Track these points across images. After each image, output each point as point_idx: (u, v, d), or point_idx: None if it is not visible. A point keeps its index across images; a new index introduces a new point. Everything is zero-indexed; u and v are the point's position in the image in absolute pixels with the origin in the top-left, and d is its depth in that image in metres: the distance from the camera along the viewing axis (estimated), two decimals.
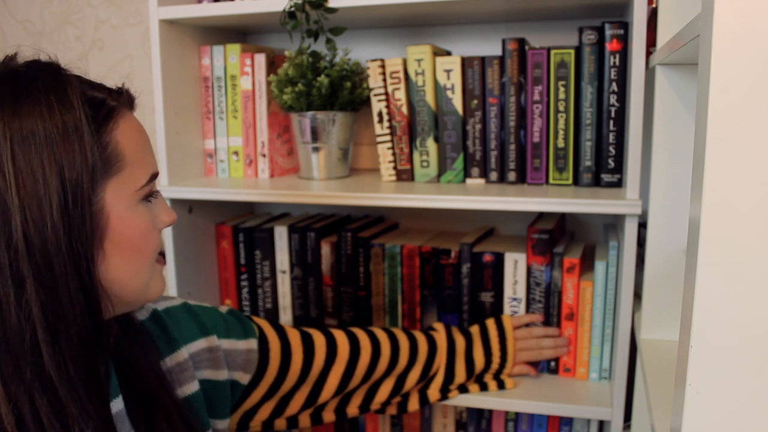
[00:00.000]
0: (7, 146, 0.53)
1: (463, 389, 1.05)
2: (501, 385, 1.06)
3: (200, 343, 0.77)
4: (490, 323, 1.08)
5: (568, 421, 1.14)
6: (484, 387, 1.06)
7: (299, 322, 1.26)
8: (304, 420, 0.94)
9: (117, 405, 0.63)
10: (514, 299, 1.11)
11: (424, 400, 1.02)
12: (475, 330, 1.07)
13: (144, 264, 0.62)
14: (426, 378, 1.01)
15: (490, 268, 1.11)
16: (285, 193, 1.08)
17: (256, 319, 0.88)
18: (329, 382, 0.93)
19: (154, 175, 0.64)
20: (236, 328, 0.83)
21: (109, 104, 0.60)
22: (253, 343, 0.84)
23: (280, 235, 1.24)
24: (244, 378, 0.83)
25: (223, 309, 0.85)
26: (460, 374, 1.03)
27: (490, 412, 1.18)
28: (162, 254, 0.67)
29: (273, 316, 1.28)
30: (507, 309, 1.12)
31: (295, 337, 0.90)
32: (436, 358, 1.02)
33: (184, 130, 1.20)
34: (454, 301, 1.15)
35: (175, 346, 0.75)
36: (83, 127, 0.56)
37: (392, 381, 0.99)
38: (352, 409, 0.97)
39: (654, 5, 0.94)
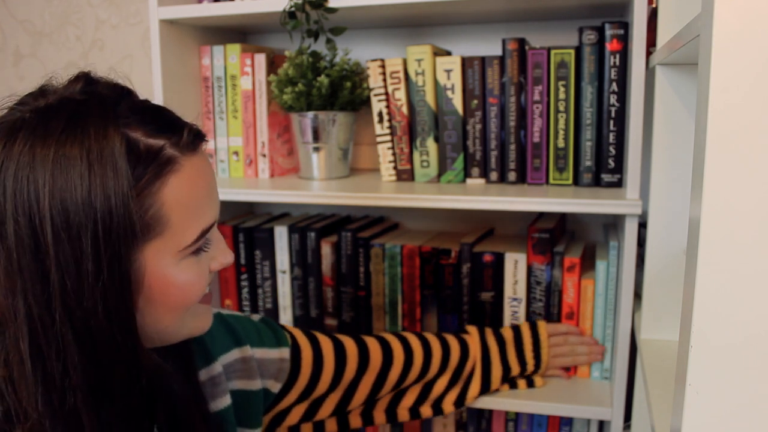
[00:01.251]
0: (45, 204, 0.50)
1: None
2: (531, 384, 1.05)
3: (234, 354, 0.77)
4: (525, 329, 1.05)
5: (568, 421, 1.14)
6: (513, 386, 1.05)
7: (299, 322, 1.26)
8: (331, 425, 0.93)
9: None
10: (514, 299, 1.11)
11: (460, 402, 1.01)
12: (508, 335, 1.05)
13: (180, 313, 0.59)
14: (455, 384, 1.00)
15: (490, 268, 1.11)
16: (285, 193, 1.08)
17: (288, 327, 0.88)
18: (360, 390, 0.92)
19: (208, 228, 0.59)
20: (269, 336, 0.82)
21: (164, 157, 0.54)
22: (285, 352, 0.83)
23: (280, 235, 1.24)
24: (276, 386, 0.82)
25: (256, 317, 0.84)
26: (496, 382, 1.02)
27: (490, 412, 1.18)
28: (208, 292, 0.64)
29: (273, 316, 1.28)
30: (507, 309, 1.12)
31: (327, 346, 0.89)
32: (467, 365, 1.01)
33: None
34: (454, 301, 1.15)
35: (211, 360, 0.74)
36: (124, 191, 0.51)
37: (420, 387, 0.98)
38: (379, 413, 0.97)
39: (654, 5, 0.94)
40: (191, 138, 0.57)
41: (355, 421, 0.95)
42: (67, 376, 0.52)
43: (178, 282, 0.56)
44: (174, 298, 0.57)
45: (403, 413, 0.98)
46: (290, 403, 0.86)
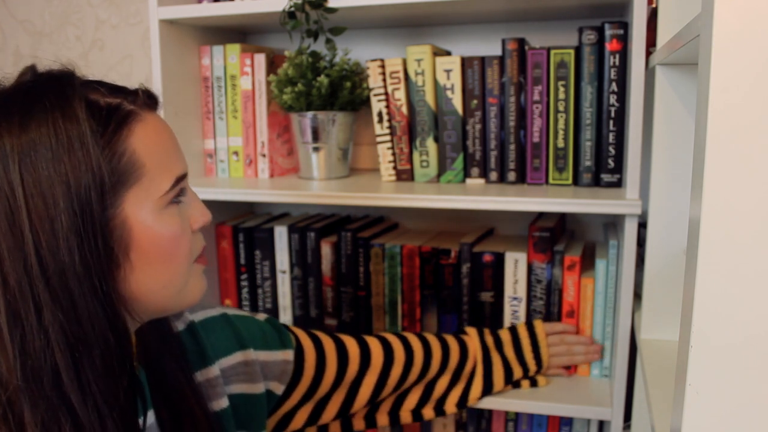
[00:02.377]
0: (15, 167, 0.52)
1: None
2: (534, 384, 1.06)
3: (236, 357, 0.77)
4: (521, 329, 1.06)
5: (568, 421, 1.14)
6: (517, 386, 1.05)
7: (299, 322, 1.26)
8: (335, 428, 0.93)
9: (149, 418, 0.63)
10: (515, 299, 1.11)
11: (462, 402, 1.01)
12: (506, 336, 1.05)
13: (177, 270, 0.60)
14: (456, 384, 1.01)
15: (490, 268, 1.11)
16: (285, 193, 1.08)
17: (292, 328, 0.88)
18: (362, 391, 0.92)
19: (181, 177, 0.61)
20: (273, 338, 0.82)
21: (125, 110, 0.58)
22: (289, 354, 0.83)
23: (280, 235, 1.24)
24: (279, 388, 0.83)
25: (261, 317, 0.84)
26: (498, 383, 1.02)
27: (490, 412, 1.18)
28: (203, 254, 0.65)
29: (273, 316, 1.27)
30: (507, 309, 1.12)
31: (329, 346, 0.90)
32: (467, 365, 1.01)
33: (184, 130, 1.20)
34: (454, 301, 1.15)
35: (207, 362, 0.74)
36: (88, 141, 0.54)
37: (421, 388, 0.99)
38: (382, 416, 0.97)
39: (654, 5, 0.94)
40: (145, 97, 0.60)
41: (359, 424, 0.95)
42: (45, 337, 0.52)
43: (164, 232, 0.58)
44: (164, 251, 0.58)
45: (405, 415, 0.98)
46: (294, 405, 0.86)
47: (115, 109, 0.57)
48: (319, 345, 0.88)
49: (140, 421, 0.61)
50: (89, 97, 0.56)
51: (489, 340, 1.04)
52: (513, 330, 1.06)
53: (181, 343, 0.70)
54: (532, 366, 1.04)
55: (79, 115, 0.54)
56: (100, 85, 0.59)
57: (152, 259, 0.58)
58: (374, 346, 0.94)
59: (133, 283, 0.57)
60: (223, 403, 0.74)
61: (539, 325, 1.06)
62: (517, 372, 1.03)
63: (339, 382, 0.90)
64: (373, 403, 0.95)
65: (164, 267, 0.59)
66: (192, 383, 0.69)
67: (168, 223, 0.59)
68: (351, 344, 0.92)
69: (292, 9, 1.05)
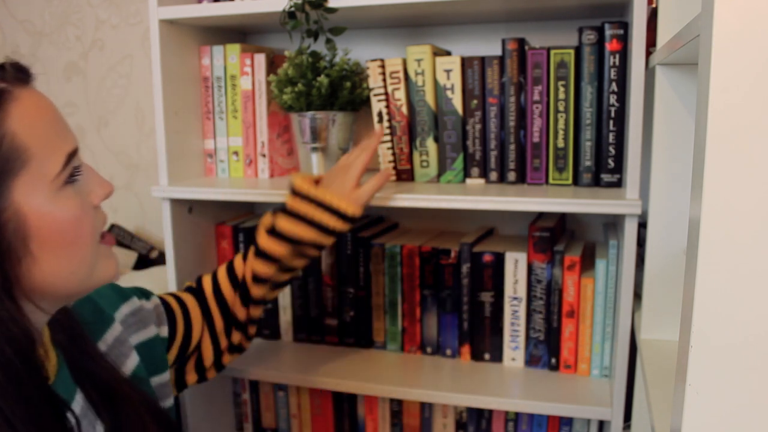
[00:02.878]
0: None
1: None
2: (341, 215, 0.93)
3: (125, 308, 0.78)
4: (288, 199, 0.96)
5: (568, 421, 1.14)
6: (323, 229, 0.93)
7: (299, 322, 1.26)
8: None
9: (78, 400, 0.62)
10: (515, 298, 1.11)
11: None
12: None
13: (83, 253, 0.57)
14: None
15: (490, 268, 1.11)
16: (285, 193, 1.08)
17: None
18: (215, 314, 0.95)
19: (72, 154, 0.56)
20: (139, 292, 0.84)
21: None
22: (155, 299, 0.86)
23: None
24: (164, 330, 0.85)
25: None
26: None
27: (490, 412, 1.18)
28: (107, 232, 0.63)
29: (273, 316, 1.28)
30: (507, 309, 1.12)
31: (181, 292, 0.95)
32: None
33: (184, 130, 1.20)
34: (454, 301, 1.15)
35: (108, 320, 0.74)
36: None
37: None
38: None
39: (654, 5, 0.94)
40: (14, 71, 0.55)
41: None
42: None
43: (62, 217, 0.55)
44: (66, 236, 0.55)
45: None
46: (178, 347, 0.89)
47: None
48: (174, 294, 0.94)
49: (72, 407, 0.60)
50: None
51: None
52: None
53: (75, 318, 0.68)
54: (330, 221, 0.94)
55: None
56: None
57: (55, 246, 0.54)
58: (205, 281, 0.97)
59: (37, 274, 0.54)
60: (135, 358, 0.75)
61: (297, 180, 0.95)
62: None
63: (206, 313, 0.94)
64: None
65: (69, 252, 0.56)
66: (101, 355, 0.68)
67: (66, 205, 0.55)
68: (192, 285, 0.98)
69: (292, 9, 1.05)
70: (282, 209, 0.95)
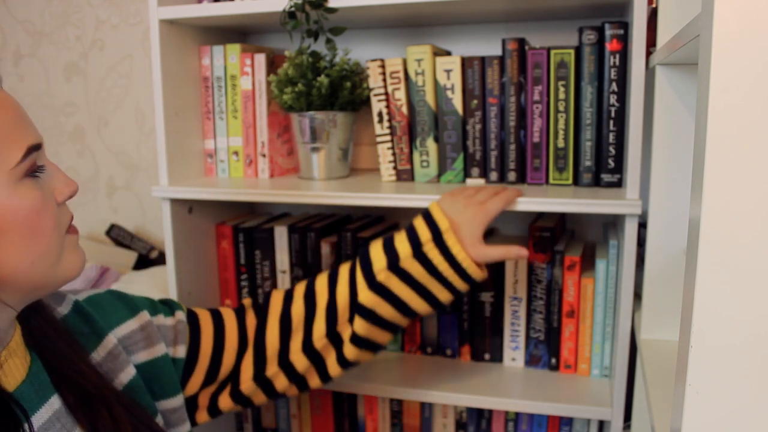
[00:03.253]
0: None
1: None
2: (464, 275, 0.89)
3: (131, 324, 0.76)
4: (421, 227, 0.91)
5: (568, 421, 1.14)
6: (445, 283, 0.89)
7: None
8: (258, 396, 0.89)
9: (53, 403, 0.62)
10: (515, 299, 1.11)
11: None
12: (401, 242, 0.91)
13: (44, 243, 0.58)
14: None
15: (490, 268, 1.11)
16: (285, 193, 1.08)
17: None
18: (270, 339, 0.87)
19: (32, 148, 0.58)
20: (163, 307, 0.83)
21: None
22: (180, 315, 0.83)
23: (280, 235, 1.24)
24: (179, 351, 0.81)
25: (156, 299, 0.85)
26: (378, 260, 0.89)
27: (490, 412, 1.18)
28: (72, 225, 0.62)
29: None
30: (507, 309, 1.12)
31: (226, 309, 0.90)
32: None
33: (184, 130, 1.20)
34: (454, 301, 1.15)
35: (102, 335, 0.73)
36: None
37: (323, 320, 0.90)
38: (296, 355, 0.88)
39: (654, 5, 0.94)
40: None
41: (281, 381, 0.89)
42: None
43: (21, 206, 0.56)
44: (25, 225, 0.56)
45: (320, 342, 0.89)
46: (203, 374, 0.84)
47: None
48: (214, 310, 0.89)
49: (42, 408, 0.60)
50: None
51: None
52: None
53: (67, 328, 0.68)
54: (425, 236, 0.89)
55: None
56: None
57: (13, 236, 0.55)
58: (270, 298, 0.92)
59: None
60: (131, 371, 0.73)
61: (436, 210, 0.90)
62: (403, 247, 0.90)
63: (243, 335, 0.87)
64: (284, 351, 0.89)
65: (28, 242, 0.56)
66: (89, 365, 0.67)
67: (25, 196, 0.56)
68: (245, 302, 0.93)
69: (292, 9, 1.05)
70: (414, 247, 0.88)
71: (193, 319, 0.85)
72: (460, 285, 0.90)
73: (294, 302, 0.91)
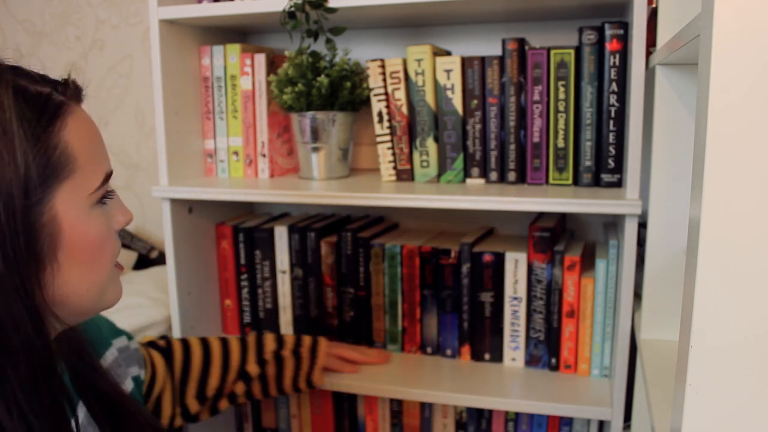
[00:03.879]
0: None
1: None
2: (309, 382, 1.08)
3: (121, 341, 0.80)
4: (306, 338, 1.10)
5: (568, 421, 1.14)
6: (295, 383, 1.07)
7: (299, 322, 1.26)
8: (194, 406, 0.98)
9: (80, 412, 0.63)
10: (515, 298, 1.11)
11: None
12: (289, 339, 1.09)
13: (102, 272, 0.58)
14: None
15: (490, 268, 1.11)
16: (285, 193, 1.08)
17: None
18: (212, 375, 0.99)
19: (109, 175, 0.59)
20: (126, 333, 0.86)
21: (56, 100, 0.55)
22: (135, 343, 0.87)
23: (280, 235, 1.24)
24: (142, 373, 0.86)
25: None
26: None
27: (490, 412, 1.18)
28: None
29: (273, 316, 1.28)
30: (507, 309, 1.12)
31: (173, 341, 0.99)
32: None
33: (184, 130, 1.20)
34: (454, 301, 1.15)
35: (107, 344, 0.76)
36: (15, 130, 0.50)
37: (217, 372, 1.01)
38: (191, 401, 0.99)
39: (654, 5, 0.94)
40: (74, 88, 0.58)
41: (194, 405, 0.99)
42: None
43: (93, 232, 0.56)
44: (91, 252, 0.56)
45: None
46: (158, 391, 0.91)
47: (46, 99, 0.54)
48: (166, 339, 0.98)
49: (72, 421, 0.60)
50: (18, 85, 0.52)
51: (267, 338, 1.07)
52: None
53: (81, 333, 0.69)
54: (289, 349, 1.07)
55: (4, 102, 0.50)
56: (28, 73, 0.55)
57: (80, 260, 0.56)
58: (175, 347, 0.99)
59: (58, 284, 0.55)
60: (128, 384, 0.77)
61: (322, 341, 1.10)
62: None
63: (187, 365, 0.97)
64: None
65: (90, 269, 0.57)
66: (104, 368, 0.70)
67: (96, 222, 0.57)
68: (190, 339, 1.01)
69: (292, 9, 1.05)
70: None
71: (149, 345, 0.94)
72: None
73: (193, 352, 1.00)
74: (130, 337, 0.87)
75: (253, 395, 1.05)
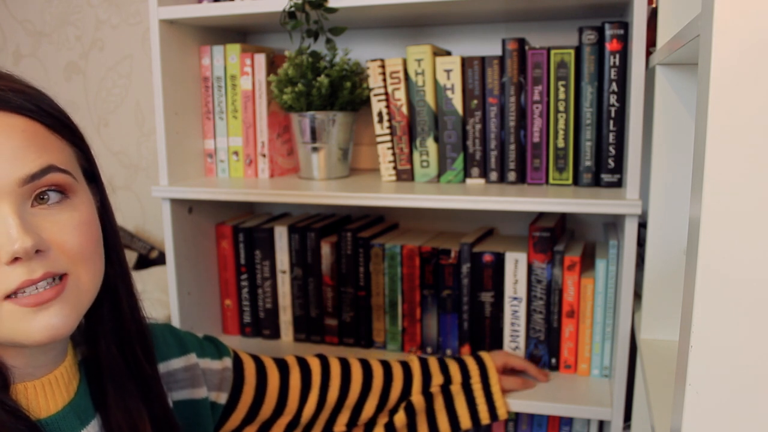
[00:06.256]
0: None
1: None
2: (493, 414, 1.02)
3: (178, 362, 0.77)
4: (471, 363, 1.03)
5: (568, 421, 1.14)
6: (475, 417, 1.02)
7: (299, 322, 1.26)
8: None
9: (92, 427, 0.62)
10: (515, 299, 1.11)
11: (390, 428, 0.98)
12: (455, 370, 1.02)
13: None
14: (383, 409, 0.98)
15: (490, 268, 1.11)
16: (285, 193, 1.08)
17: (231, 348, 0.89)
18: (307, 407, 0.91)
19: None
20: (211, 349, 0.83)
21: None
22: (227, 362, 0.84)
23: (280, 235, 1.24)
24: (221, 397, 0.83)
25: (200, 335, 0.86)
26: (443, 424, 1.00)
27: None
28: (16, 293, 0.52)
29: (273, 316, 1.28)
30: (507, 308, 1.12)
31: (269, 360, 0.91)
32: (413, 387, 0.99)
33: (184, 130, 1.20)
34: (454, 301, 1.15)
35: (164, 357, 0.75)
36: None
37: (375, 400, 0.97)
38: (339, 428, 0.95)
39: (654, 5, 0.94)
40: None
41: None
42: None
43: None
44: None
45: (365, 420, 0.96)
46: (239, 421, 0.86)
47: None
48: (258, 359, 0.90)
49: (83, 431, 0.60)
50: None
51: (434, 370, 1.02)
52: (461, 362, 1.04)
53: (147, 335, 0.68)
54: (482, 407, 1.02)
55: None
56: None
57: None
58: (313, 362, 0.95)
59: None
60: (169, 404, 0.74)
61: (487, 359, 1.04)
62: (463, 417, 1.01)
63: (284, 395, 0.90)
64: (312, 423, 0.93)
65: None
66: (153, 375, 0.68)
67: None
68: (290, 359, 0.94)
69: (292, 9, 1.05)
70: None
71: (238, 367, 0.86)
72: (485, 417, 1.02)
73: (331, 381, 0.94)
74: (217, 351, 0.83)
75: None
